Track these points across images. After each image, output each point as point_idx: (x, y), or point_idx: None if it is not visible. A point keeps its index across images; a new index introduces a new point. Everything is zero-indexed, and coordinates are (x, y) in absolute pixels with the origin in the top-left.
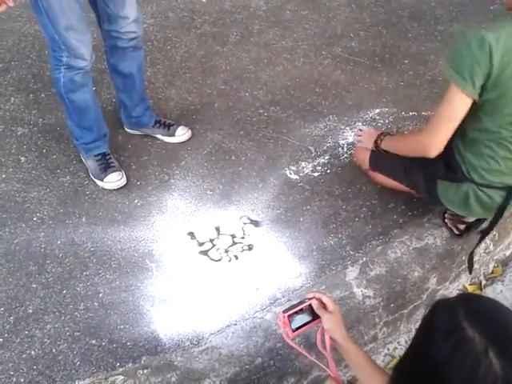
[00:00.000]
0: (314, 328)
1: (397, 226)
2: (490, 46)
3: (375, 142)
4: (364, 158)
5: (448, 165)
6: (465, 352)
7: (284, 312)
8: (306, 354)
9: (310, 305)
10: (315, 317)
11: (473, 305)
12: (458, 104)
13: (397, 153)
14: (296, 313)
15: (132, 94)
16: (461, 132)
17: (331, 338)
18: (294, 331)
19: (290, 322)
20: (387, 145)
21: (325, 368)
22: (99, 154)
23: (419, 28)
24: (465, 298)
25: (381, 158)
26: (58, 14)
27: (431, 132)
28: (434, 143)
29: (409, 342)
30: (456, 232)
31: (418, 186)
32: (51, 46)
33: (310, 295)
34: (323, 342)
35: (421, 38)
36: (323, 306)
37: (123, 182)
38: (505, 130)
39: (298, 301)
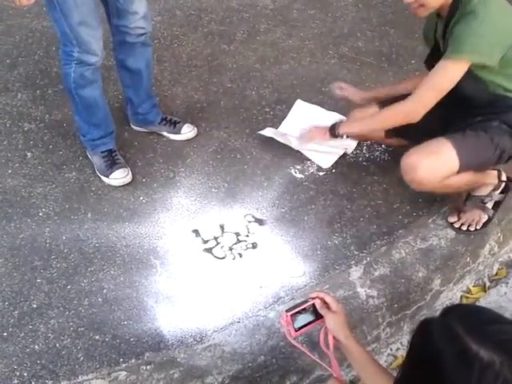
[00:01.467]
0: (316, 327)
1: (401, 226)
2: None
3: (330, 132)
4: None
5: None
6: (481, 371)
7: (287, 311)
8: (308, 353)
9: (313, 304)
10: (318, 316)
11: (467, 317)
12: (457, 78)
13: (368, 128)
14: (299, 312)
15: (139, 91)
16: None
17: (334, 338)
18: (296, 331)
19: (292, 321)
20: (350, 127)
21: (327, 368)
22: (105, 151)
23: None
24: (456, 312)
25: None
26: (71, 8)
27: (419, 103)
28: (421, 112)
29: None
30: (464, 228)
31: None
32: (63, 41)
33: (314, 295)
34: (326, 341)
35: None
36: (326, 305)
37: (129, 178)
38: None
39: (301, 300)
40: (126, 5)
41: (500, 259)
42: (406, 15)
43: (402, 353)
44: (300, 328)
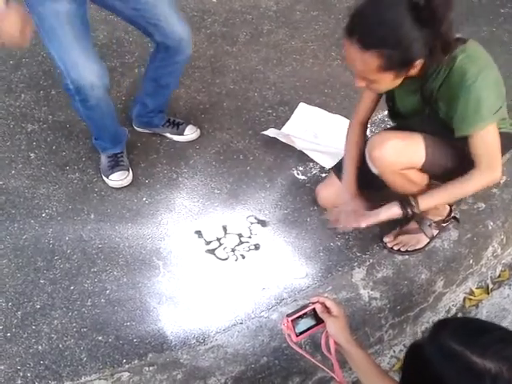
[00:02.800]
0: (320, 329)
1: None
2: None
3: (402, 206)
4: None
5: None
6: (493, 382)
7: (288, 316)
8: (311, 358)
9: (313, 309)
10: (319, 321)
11: (459, 331)
12: (497, 134)
13: (444, 202)
14: (300, 317)
15: (158, 101)
16: None
17: (335, 342)
18: (298, 336)
19: (293, 326)
20: (428, 202)
21: (330, 373)
22: (113, 153)
23: None
24: (446, 328)
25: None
26: (55, 35)
27: (497, 166)
28: (500, 177)
29: None
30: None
31: None
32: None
33: (314, 299)
34: (328, 345)
35: None
36: (327, 310)
37: (126, 182)
38: None
39: (302, 305)
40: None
41: (503, 261)
42: None
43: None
44: (301, 333)
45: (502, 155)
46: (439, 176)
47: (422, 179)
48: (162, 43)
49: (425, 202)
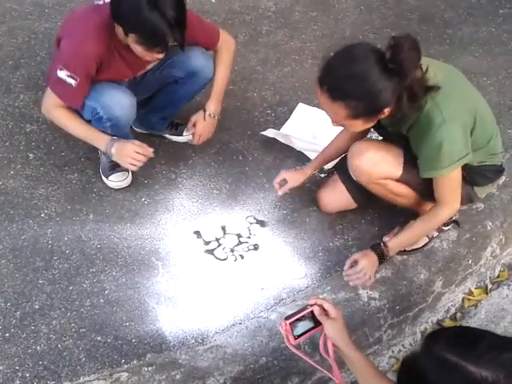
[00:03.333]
0: (318, 332)
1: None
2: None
3: (378, 255)
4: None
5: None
6: None
7: (286, 319)
8: (310, 361)
9: (311, 311)
10: (317, 323)
11: (454, 342)
12: (460, 175)
13: (412, 242)
14: (298, 320)
15: (169, 110)
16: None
17: (334, 345)
18: (296, 338)
19: (292, 329)
20: (397, 245)
21: (329, 375)
22: None
23: (428, 31)
24: (441, 339)
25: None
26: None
27: (454, 202)
28: (457, 209)
29: (413, 345)
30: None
31: None
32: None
33: (312, 302)
34: (326, 348)
35: (430, 41)
36: (325, 312)
37: (126, 183)
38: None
39: (300, 307)
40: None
41: (502, 261)
42: (407, 18)
43: (404, 355)
44: (299, 335)
45: (486, 185)
46: (418, 188)
47: (404, 190)
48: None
49: (394, 246)
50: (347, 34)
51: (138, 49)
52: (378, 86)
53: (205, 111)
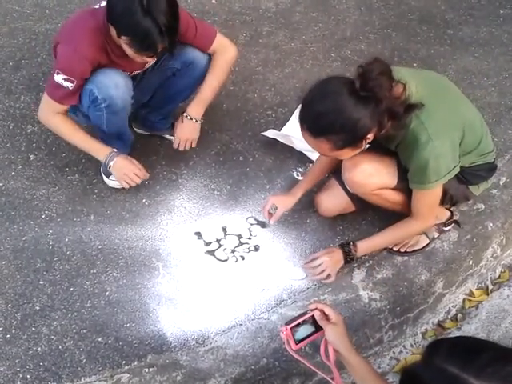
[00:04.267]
0: (319, 337)
1: None
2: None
3: (345, 254)
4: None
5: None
6: None
7: (286, 324)
8: (311, 366)
9: (312, 316)
10: (318, 328)
11: (455, 353)
12: (441, 193)
13: (382, 247)
14: (299, 324)
15: (169, 106)
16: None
17: (335, 350)
18: (297, 343)
19: (292, 334)
20: (368, 247)
21: (330, 380)
22: None
23: (428, 31)
24: (441, 351)
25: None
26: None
27: (429, 218)
28: (432, 224)
29: (414, 346)
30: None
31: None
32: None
33: (312, 306)
34: (327, 352)
35: (430, 42)
36: (326, 317)
37: None
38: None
39: (301, 312)
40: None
41: (503, 262)
42: (408, 18)
43: (405, 356)
44: (300, 341)
45: (481, 183)
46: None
47: (401, 198)
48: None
49: (364, 247)
50: (348, 35)
51: (128, 51)
52: (355, 116)
53: (183, 114)
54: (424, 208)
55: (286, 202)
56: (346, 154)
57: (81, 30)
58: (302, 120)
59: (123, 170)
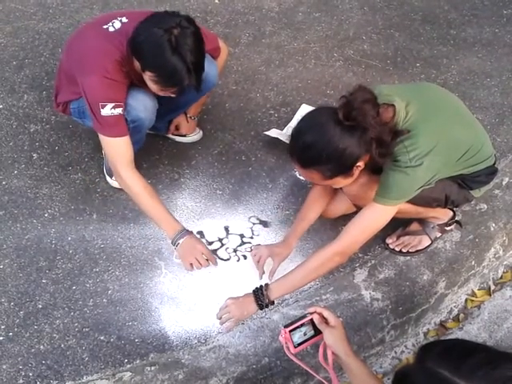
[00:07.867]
0: (318, 340)
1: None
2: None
3: (256, 298)
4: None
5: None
6: None
7: (285, 327)
8: (310, 370)
9: (311, 319)
10: (317, 332)
11: (446, 356)
12: (388, 219)
13: (302, 284)
14: (298, 328)
15: (174, 114)
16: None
17: (333, 353)
18: (296, 347)
19: (291, 337)
20: (280, 287)
21: None
22: None
23: (432, 31)
24: (433, 353)
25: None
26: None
27: (354, 243)
28: (355, 250)
29: (416, 346)
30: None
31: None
32: None
33: (311, 310)
34: (325, 356)
35: (433, 42)
36: (325, 320)
37: None
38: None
39: (300, 315)
40: None
41: (505, 262)
42: (411, 18)
43: (407, 356)
44: (299, 344)
45: (482, 187)
46: (415, 202)
47: (403, 206)
48: None
49: (276, 288)
50: (351, 35)
51: (152, 86)
52: (341, 145)
53: (186, 114)
54: (357, 229)
55: (282, 254)
56: (338, 182)
57: (103, 59)
58: (291, 151)
59: (192, 251)
